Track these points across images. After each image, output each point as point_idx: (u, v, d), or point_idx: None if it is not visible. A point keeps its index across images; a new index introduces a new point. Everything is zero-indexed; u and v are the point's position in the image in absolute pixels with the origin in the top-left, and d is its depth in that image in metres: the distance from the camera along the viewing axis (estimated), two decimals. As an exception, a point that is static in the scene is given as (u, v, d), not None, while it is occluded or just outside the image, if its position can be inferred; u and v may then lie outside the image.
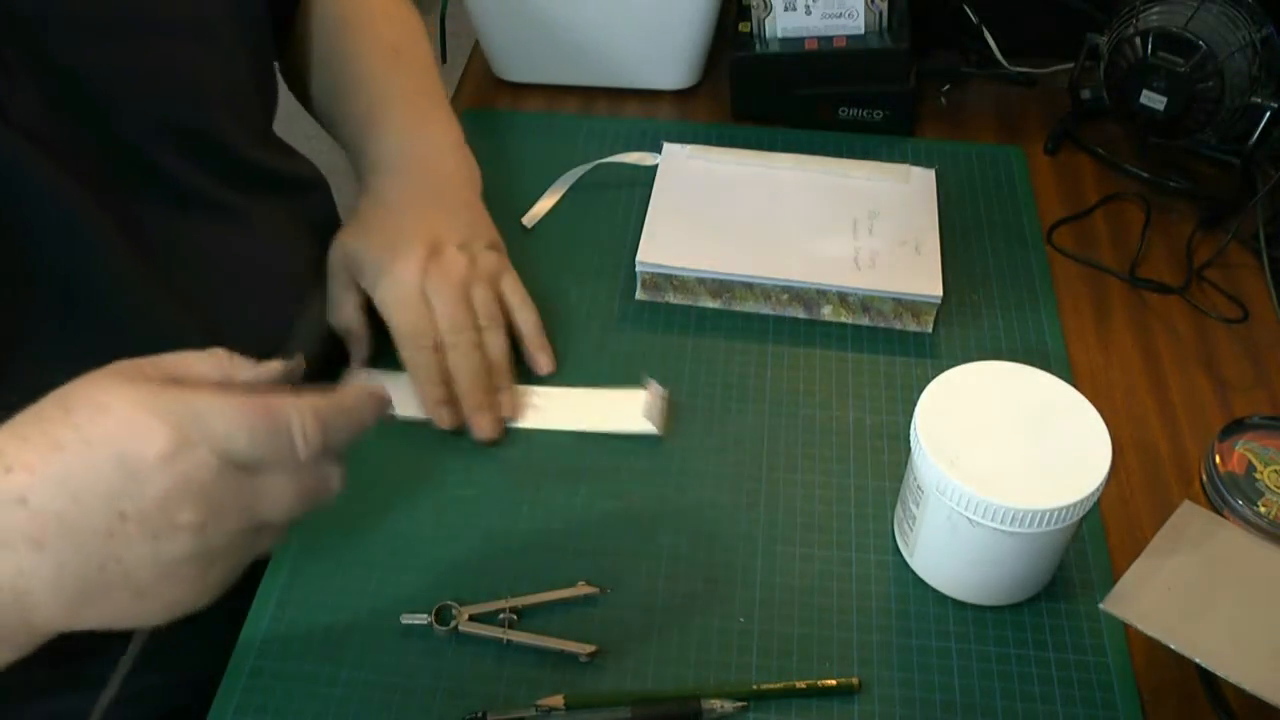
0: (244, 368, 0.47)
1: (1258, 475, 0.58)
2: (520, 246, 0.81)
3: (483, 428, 0.67)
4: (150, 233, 0.61)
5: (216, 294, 0.65)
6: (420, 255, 0.67)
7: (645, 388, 0.69)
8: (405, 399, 0.68)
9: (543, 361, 0.71)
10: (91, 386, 0.42)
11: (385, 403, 0.48)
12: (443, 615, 0.59)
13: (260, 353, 0.66)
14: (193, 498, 0.41)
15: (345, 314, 0.70)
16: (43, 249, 0.56)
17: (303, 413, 0.44)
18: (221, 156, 0.66)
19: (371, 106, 0.75)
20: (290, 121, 0.81)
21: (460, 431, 0.68)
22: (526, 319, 0.71)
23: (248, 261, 0.68)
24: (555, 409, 0.70)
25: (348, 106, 0.77)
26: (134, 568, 0.41)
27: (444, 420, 0.67)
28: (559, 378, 0.72)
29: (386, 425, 0.64)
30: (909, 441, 0.58)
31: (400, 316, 0.67)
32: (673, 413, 0.70)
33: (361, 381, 0.65)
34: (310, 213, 0.77)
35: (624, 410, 0.69)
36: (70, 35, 0.55)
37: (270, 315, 0.69)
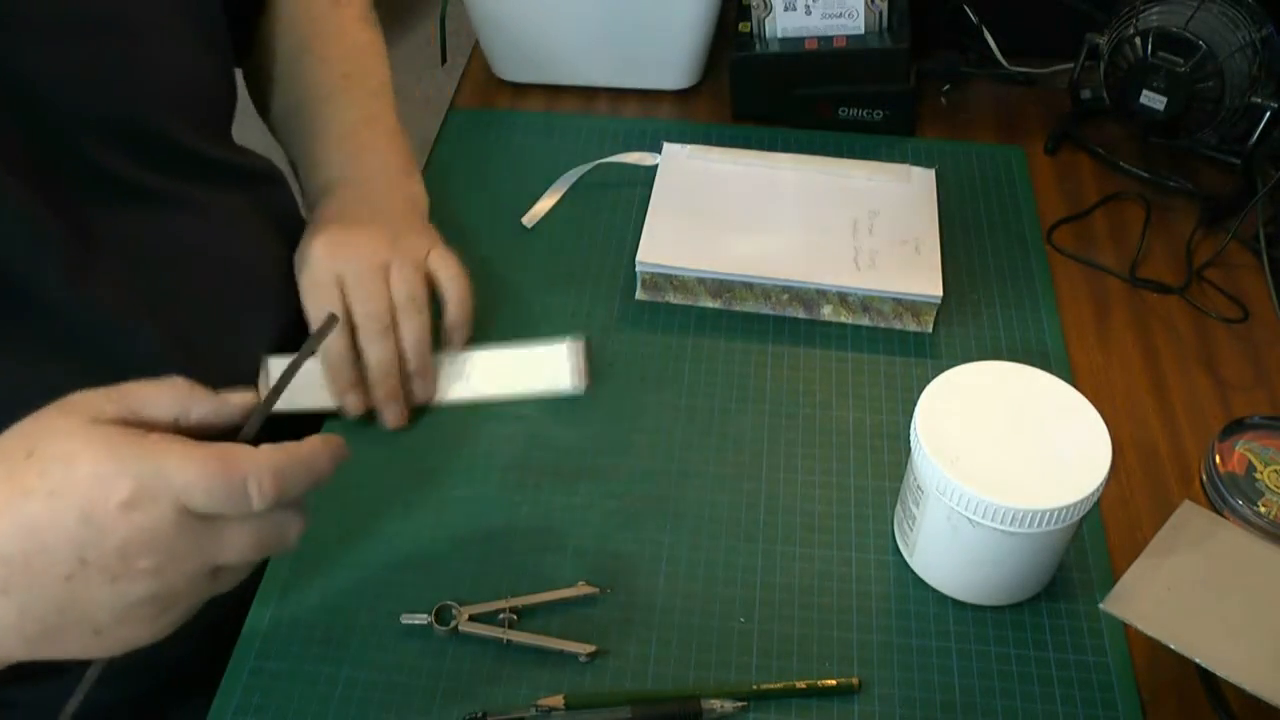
0: (201, 401, 0.47)
1: (1258, 475, 0.58)
2: (520, 246, 0.81)
3: (389, 418, 0.67)
4: (99, 228, 0.60)
5: (174, 286, 0.64)
6: (335, 239, 0.66)
7: (566, 343, 0.68)
8: (317, 386, 0.66)
9: (456, 340, 0.69)
10: (56, 435, 0.44)
11: (342, 452, 0.49)
12: (443, 615, 0.59)
13: (225, 342, 0.66)
14: (151, 546, 0.43)
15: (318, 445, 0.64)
16: None
17: (260, 469, 0.45)
18: (168, 151, 0.65)
19: (315, 136, 0.75)
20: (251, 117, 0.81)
21: (370, 419, 0.68)
22: (453, 292, 0.69)
23: (204, 253, 0.67)
24: (479, 376, 0.68)
25: (296, 134, 0.76)
26: (93, 609, 0.44)
27: (350, 407, 0.67)
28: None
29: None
30: (909, 441, 0.58)
31: (310, 300, 0.66)
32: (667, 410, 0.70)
33: (274, 369, 0.63)
34: (271, 206, 0.76)
35: (546, 370, 0.67)
36: (2, 32, 0.54)
37: (233, 305, 0.68)
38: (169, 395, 0.47)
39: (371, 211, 0.70)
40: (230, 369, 0.60)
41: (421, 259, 0.68)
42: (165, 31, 0.63)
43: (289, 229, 0.73)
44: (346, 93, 0.76)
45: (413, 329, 0.66)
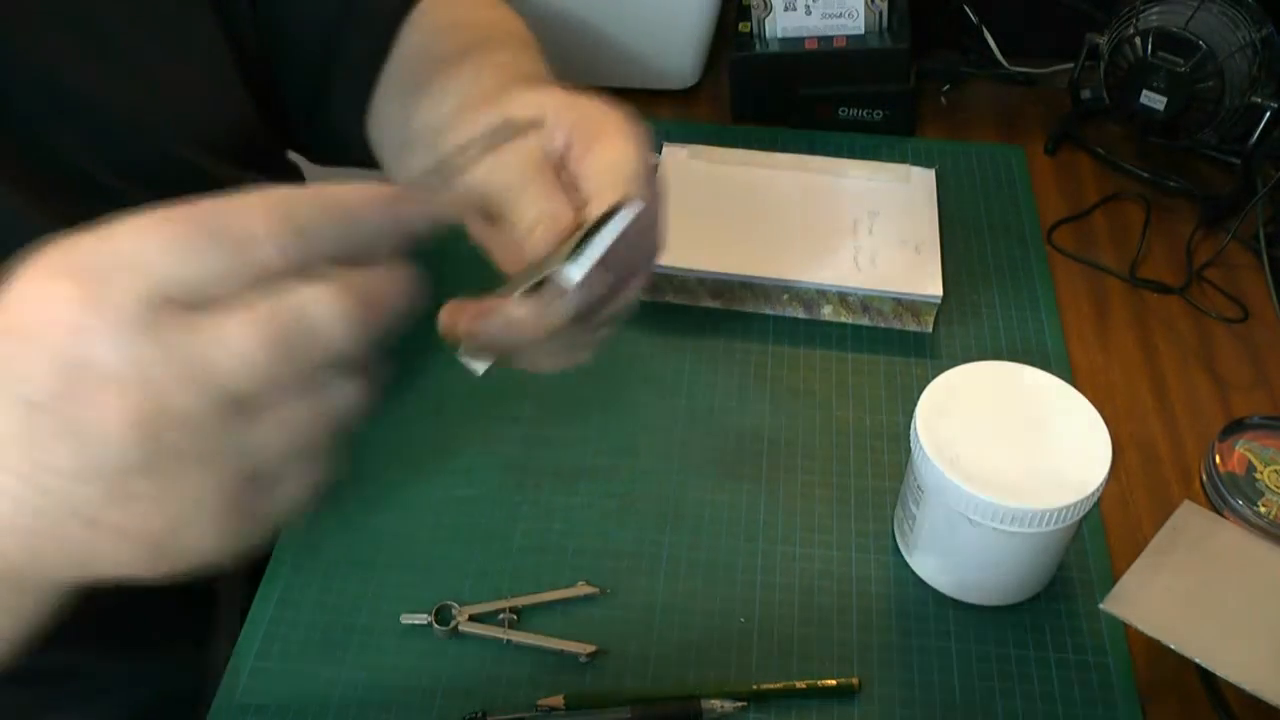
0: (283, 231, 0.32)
1: (1258, 475, 0.58)
2: (520, 246, 0.81)
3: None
4: None
5: None
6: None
7: None
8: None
9: None
10: (30, 288, 0.31)
11: (399, 208, 0.34)
12: (443, 615, 0.59)
13: None
14: (114, 367, 0.30)
15: (532, 155, 0.48)
16: None
17: (332, 311, 0.32)
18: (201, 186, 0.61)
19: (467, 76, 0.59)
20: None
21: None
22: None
23: None
24: None
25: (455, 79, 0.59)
26: (66, 479, 0.31)
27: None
28: (561, 380, 0.72)
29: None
30: (909, 441, 0.58)
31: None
32: (664, 408, 0.70)
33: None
34: None
35: None
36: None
37: None
38: (261, 208, 0.32)
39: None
40: None
41: None
42: (193, 69, 0.60)
43: None
44: (502, 43, 0.63)
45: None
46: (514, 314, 0.45)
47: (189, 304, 0.30)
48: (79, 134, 0.53)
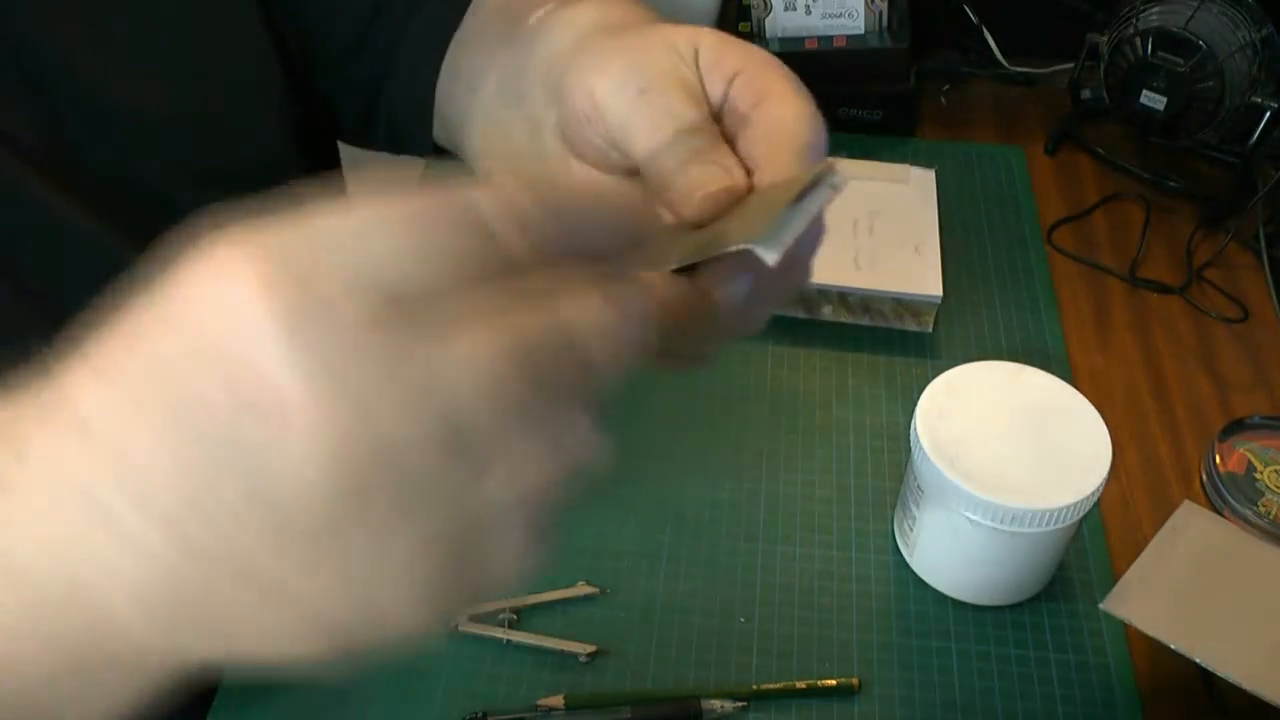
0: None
1: (1258, 475, 0.58)
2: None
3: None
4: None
5: None
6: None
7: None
8: None
9: None
10: (205, 286, 0.24)
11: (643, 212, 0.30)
12: (443, 615, 0.59)
13: None
14: (314, 389, 0.23)
15: (686, 93, 0.39)
16: (44, 269, 0.51)
17: (507, 193, 0.26)
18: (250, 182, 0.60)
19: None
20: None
21: None
22: None
23: None
24: None
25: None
26: (234, 535, 0.24)
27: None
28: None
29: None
30: (909, 441, 0.58)
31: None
32: (672, 413, 0.70)
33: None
34: None
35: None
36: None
37: None
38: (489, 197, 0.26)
39: None
40: None
41: None
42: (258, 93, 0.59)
43: None
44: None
45: None
46: (668, 293, 0.33)
47: (415, 309, 0.24)
48: (132, 143, 0.53)
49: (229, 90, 0.59)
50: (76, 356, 0.25)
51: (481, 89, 0.54)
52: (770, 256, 0.33)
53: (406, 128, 0.63)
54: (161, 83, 0.55)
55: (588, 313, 0.25)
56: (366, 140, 0.68)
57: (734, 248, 0.33)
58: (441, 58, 0.59)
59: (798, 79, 0.41)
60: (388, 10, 0.61)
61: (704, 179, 0.36)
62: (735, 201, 0.36)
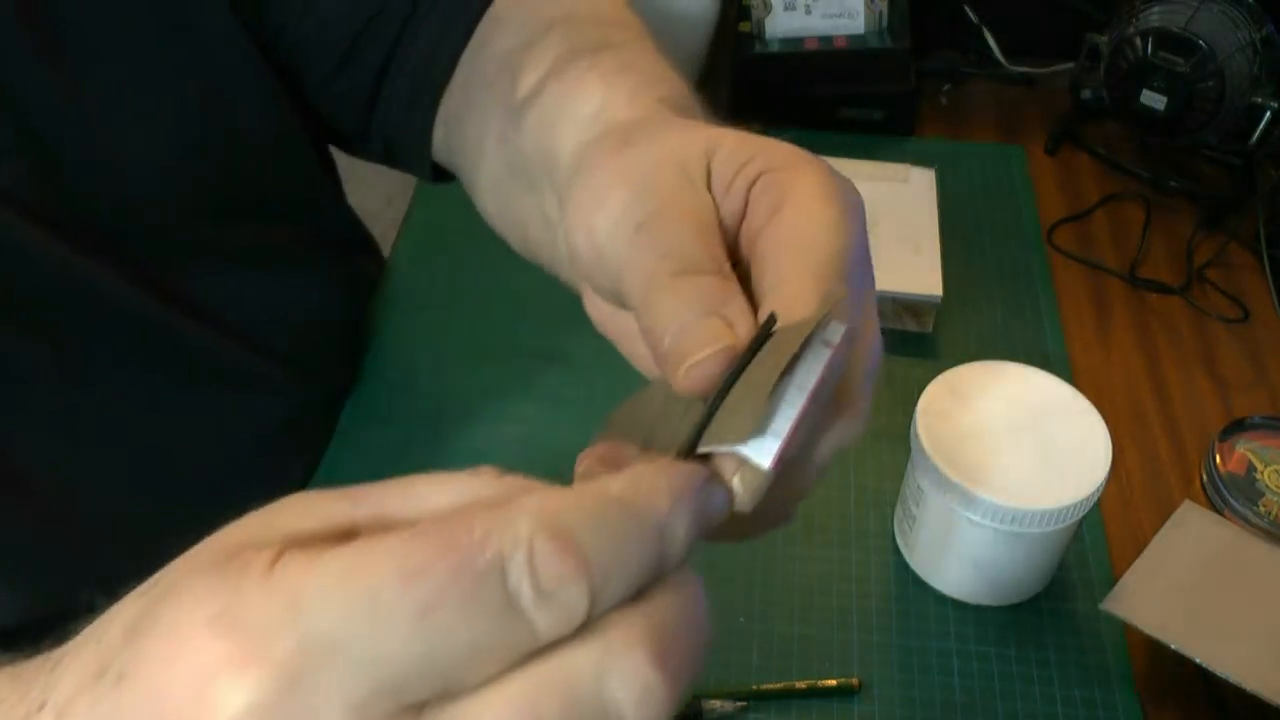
0: (534, 497, 0.23)
1: (1258, 475, 0.58)
2: (520, 246, 0.81)
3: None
4: (179, 289, 0.57)
5: (257, 337, 0.61)
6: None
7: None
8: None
9: None
10: (178, 578, 0.23)
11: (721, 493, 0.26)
12: (443, 615, 0.59)
13: (326, 399, 0.57)
14: None
15: (695, 218, 0.33)
16: (53, 323, 0.52)
17: (528, 537, 0.22)
18: (253, 215, 0.60)
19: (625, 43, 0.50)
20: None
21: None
22: None
23: (284, 315, 0.64)
24: None
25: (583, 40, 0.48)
26: None
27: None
28: (562, 380, 0.72)
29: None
30: (909, 441, 0.58)
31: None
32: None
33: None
34: (356, 275, 0.74)
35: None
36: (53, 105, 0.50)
37: (330, 368, 0.67)
38: (459, 487, 0.24)
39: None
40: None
41: None
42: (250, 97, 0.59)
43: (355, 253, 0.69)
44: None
45: None
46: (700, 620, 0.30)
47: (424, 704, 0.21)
48: (128, 185, 0.53)
49: (225, 124, 0.58)
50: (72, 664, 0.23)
51: (486, 153, 0.51)
52: (764, 459, 0.27)
53: (403, 153, 0.62)
54: (155, 125, 0.54)
55: (624, 676, 0.22)
56: (364, 154, 0.67)
57: (723, 449, 0.28)
58: (442, 87, 0.57)
59: (830, 173, 0.34)
60: (381, 22, 0.59)
61: (693, 342, 0.29)
62: (733, 363, 0.29)
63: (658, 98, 0.42)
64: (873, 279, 0.34)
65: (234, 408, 0.62)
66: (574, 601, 0.21)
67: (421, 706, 0.21)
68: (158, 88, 0.53)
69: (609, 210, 0.32)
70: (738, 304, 0.30)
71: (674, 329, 0.29)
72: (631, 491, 0.24)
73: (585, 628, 0.22)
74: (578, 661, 0.21)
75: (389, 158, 0.64)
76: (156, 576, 0.24)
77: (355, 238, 0.77)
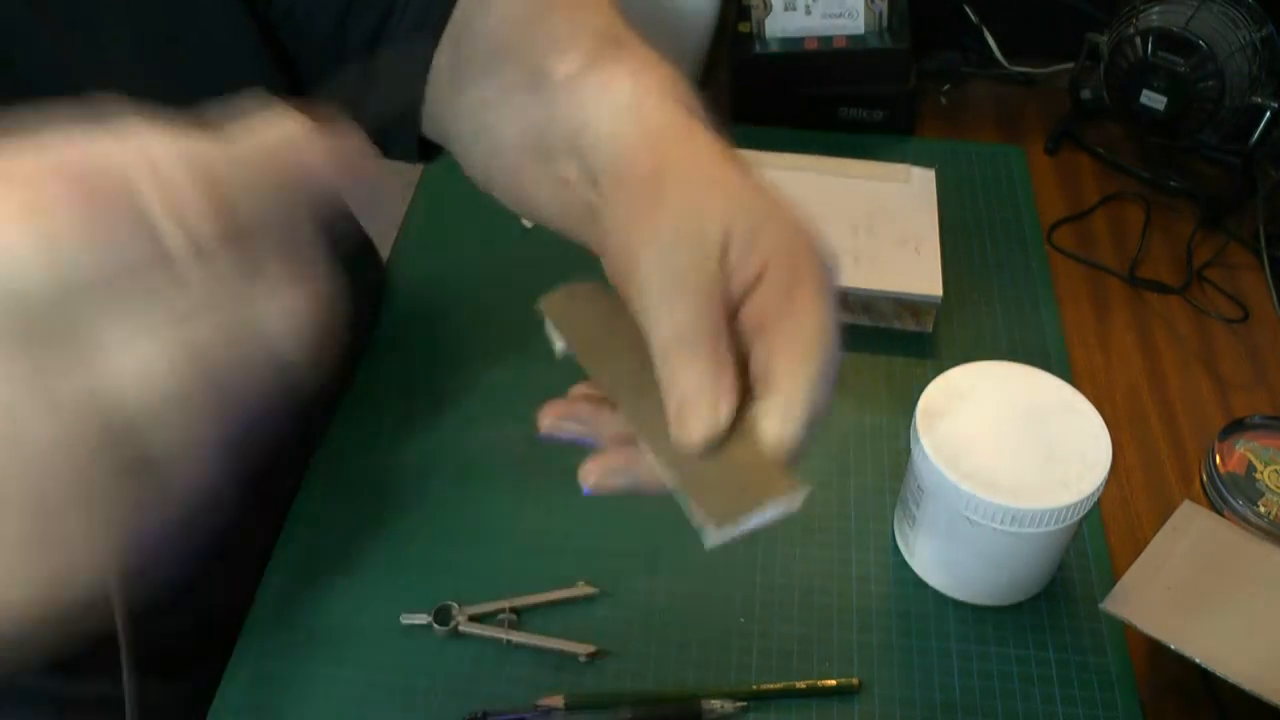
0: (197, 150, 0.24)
1: (1258, 475, 0.58)
2: (521, 248, 0.81)
3: None
4: None
5: None
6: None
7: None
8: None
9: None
10: None
11: (353, 152, 0.28)
12: (442, 615, 0.59)
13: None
14: None
15: (707, 300, 0.38)
16: None
17: (162, 167, 0.23)
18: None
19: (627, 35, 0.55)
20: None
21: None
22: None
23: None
24: None
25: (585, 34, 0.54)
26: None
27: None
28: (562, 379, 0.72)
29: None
30: (909, 441, 0.58)
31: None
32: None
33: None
34: (355, 269, 0.74)
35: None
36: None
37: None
38: (132, 145, 0.24)
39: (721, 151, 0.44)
40: None
41: None
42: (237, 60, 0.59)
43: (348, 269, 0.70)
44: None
45: None
46: (647, 481, 0.39)
47: (61, 324, 0.22)
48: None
49: (215, 93, 0.58)
50: None
51: (498, 129, 0.53)
52: (709, 543, 0.35)
53: (389, 133, 0.62)
54: (146, 93, 0.54)
55: (272, 313, 0.24)
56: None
57: (693, 510, 0.36)
58: (427, 65, 0.58)
59: (827, 272, 0.38)
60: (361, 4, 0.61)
61: (688, 418, 0.37)
62: (716, 442, 0.37)
63: (677, 99, 0.48)
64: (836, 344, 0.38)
65: None
66: (208, 226, 0.23)
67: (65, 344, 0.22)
68: (151, 56, 0.54)
69: (644, 266, 0.39)
70: (726, 382, 0.36)
71: (677, 397, 0.37)
72: (278, 144, 0.25)
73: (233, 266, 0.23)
74: (228, 292, 0.23)
75: (375, 139, 0.65)
76: None
77: (350, 232, 0.78)
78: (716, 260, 0.38)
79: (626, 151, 0.43)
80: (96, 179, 0.22)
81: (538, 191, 0.53)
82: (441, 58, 0.59)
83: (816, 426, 0.37)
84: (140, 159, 0.22)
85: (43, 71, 0.50)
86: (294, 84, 0.64)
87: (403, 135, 0.62)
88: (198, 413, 0.24)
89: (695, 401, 0.37)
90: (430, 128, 0.61)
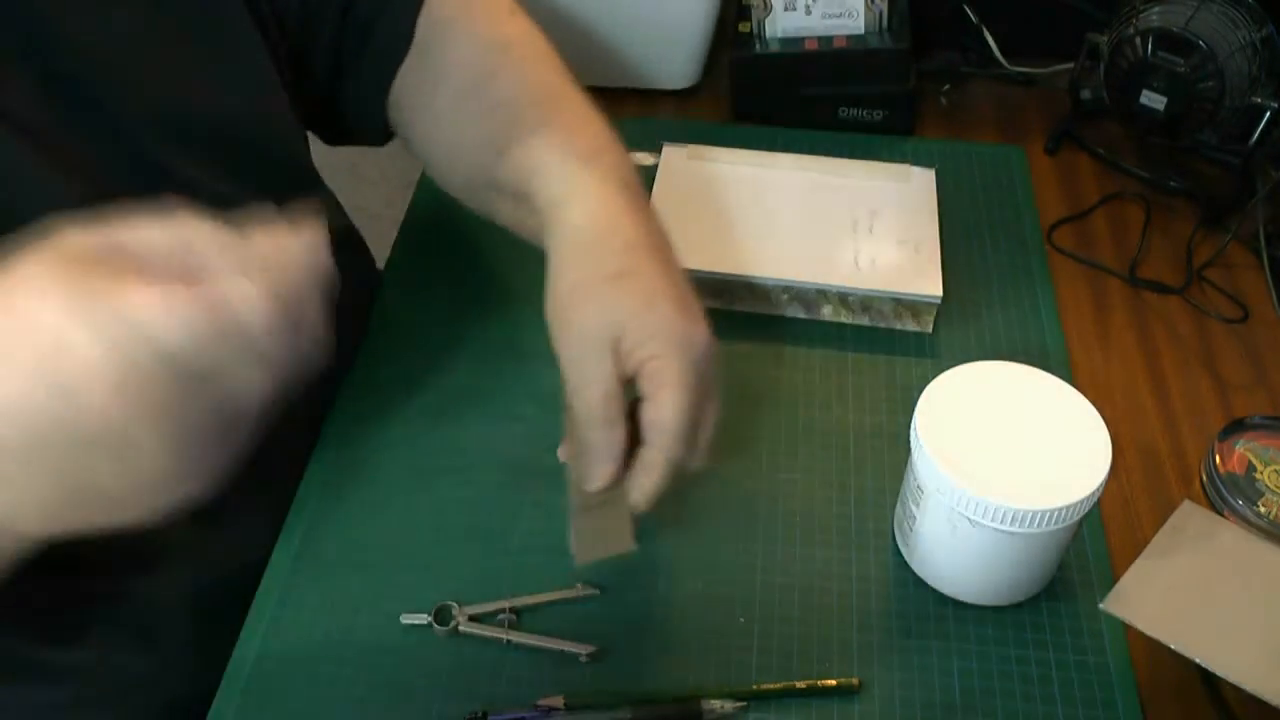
0: (210, 242, 0.39)
1: (1258, 475, 0.58)
2: (520, 247, 0.80)
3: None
4: None
5: None
6: (701, 319, 0.55)
7: None
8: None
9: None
10: (23, 282, 0.37)
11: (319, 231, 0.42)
12: (443, 615, 0.59)
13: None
14: (150, 416, 0.37)
15: (602, 389, 0.53)
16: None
17: (256, 303, 0.38)
18: (248, 163, 0.63)
19: (573, 114, 0.64)
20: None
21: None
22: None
23: None
24: None
25: (533, 114, 0.64)
26: (104, 481, 0.38)
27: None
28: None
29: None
30: (909, 441, 0.58)
31: (687, 409, 0.53)
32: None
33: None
34: (331, 220, 0.76)
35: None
36: (69, 33, 0.54)
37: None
38: (167, 233, 0.39)
39: (653, 249, 0.57)
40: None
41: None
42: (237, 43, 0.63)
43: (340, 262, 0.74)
44: (573, 87, 0.66)
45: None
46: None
47: (200, 373, 0.38)
48: (122, 108, 0.56)
49: (223, 83, 0.62)
50: None
51: (456, 149, 0.68)
52: (575, 564, 0.57)
53: (357, 118, 0.73)
54: (160, 72, 0.57)
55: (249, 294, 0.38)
56: (338, 126, 0.75)
57: (570, 540, 0.57)
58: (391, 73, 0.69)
59: (691, 365, 0.53)
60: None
61: (596, 471, 0.55)
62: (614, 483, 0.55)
63: (619, 176, 0.60)
64: (714, 396, 0.56)
65: None
66: (280, 319, 0.39)
67: (206, 373, 0.38)
68: (166, 40, 0.58)
69: (567, 352, 0.55)
70: (616, 447, 0.54)
71: (589, 458, 0.54)
72: (296, 247, 0.42)
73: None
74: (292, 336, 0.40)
75: (356, 137, 0.75)
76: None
77: (342, 227, 0.79)
78: (610, 358, 0.53)
79: (562, 257, 0.57)
80: (216, 306, 0.37)
81: (492, 209, 0.68)
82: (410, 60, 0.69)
83: (680, 482, 0.55)
84: (238, 289, 0.38)
85: (64, 39, 0.53)
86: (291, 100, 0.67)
87: (369, 121, 0.72)
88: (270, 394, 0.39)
89: (594, 459, 0.54)
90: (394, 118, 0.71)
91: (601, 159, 0.60)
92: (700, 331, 0.54)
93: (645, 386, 0.54)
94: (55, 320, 0.36)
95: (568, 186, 0.59)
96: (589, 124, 0.63)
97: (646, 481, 0.54)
